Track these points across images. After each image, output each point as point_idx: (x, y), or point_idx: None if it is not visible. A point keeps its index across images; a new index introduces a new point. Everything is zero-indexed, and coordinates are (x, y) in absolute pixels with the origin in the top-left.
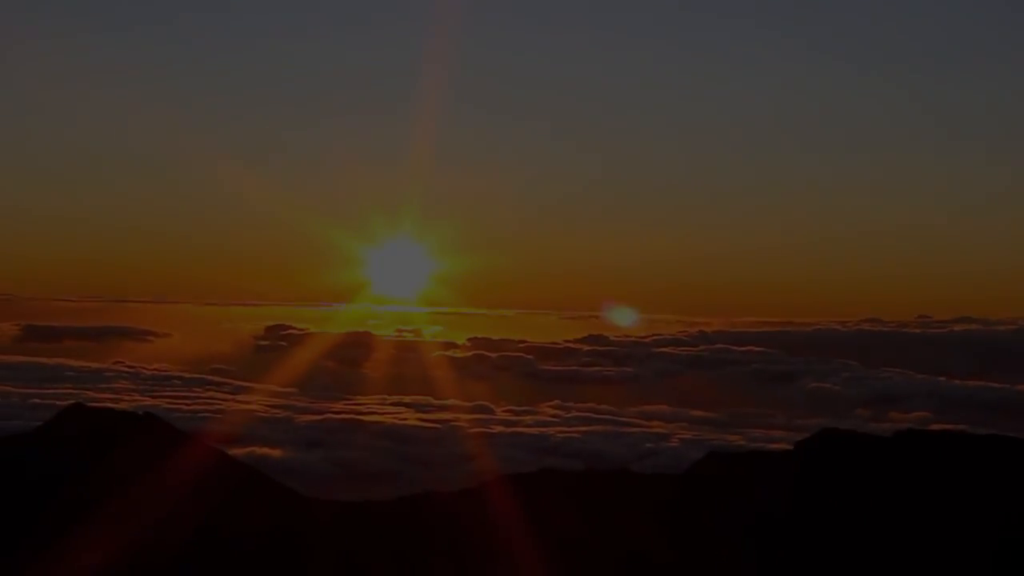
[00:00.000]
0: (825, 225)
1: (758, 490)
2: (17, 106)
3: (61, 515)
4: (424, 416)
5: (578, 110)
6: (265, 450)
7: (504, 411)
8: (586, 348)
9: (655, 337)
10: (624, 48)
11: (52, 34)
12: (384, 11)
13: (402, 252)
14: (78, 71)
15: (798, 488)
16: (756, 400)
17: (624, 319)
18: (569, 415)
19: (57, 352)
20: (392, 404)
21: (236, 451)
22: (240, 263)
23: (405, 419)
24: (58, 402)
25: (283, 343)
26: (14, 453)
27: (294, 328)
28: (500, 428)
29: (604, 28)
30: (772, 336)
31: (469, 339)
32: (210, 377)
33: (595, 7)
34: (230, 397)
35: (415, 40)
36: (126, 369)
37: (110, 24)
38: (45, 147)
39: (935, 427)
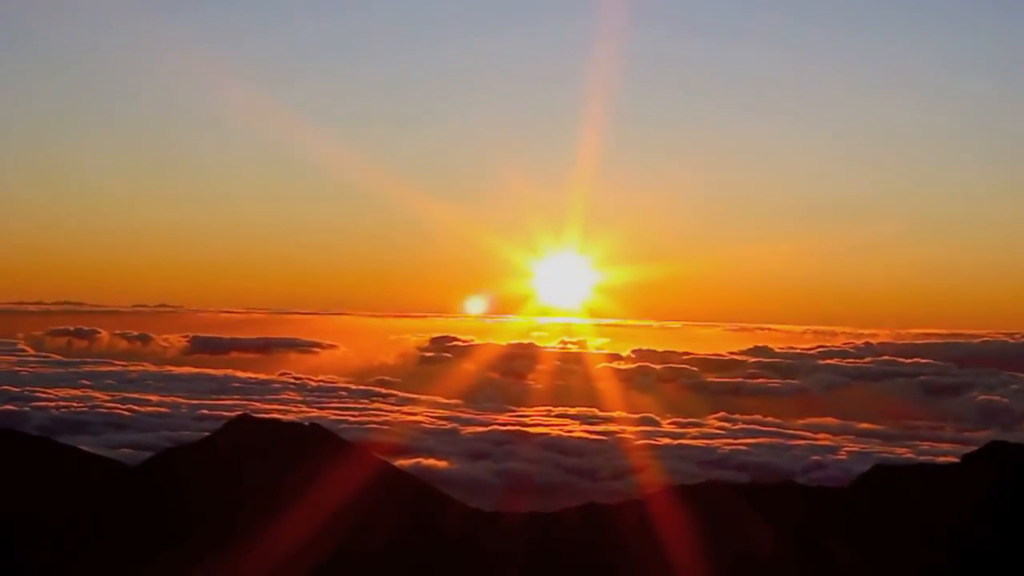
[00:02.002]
0: (994, 235)
1: (925, 504)
2: (178, 117)
3: (226, 524)
4: (590, 428)
5: (743, 120)
6: (431, 461)
7: (669, 423)
8: (751, 360)
9: (821, 349)
10: (791, 54)
11: (202, 37)
12: (550, 22)
13: (567, 264)
14: (236, 79)
15: (966, 502)
16: (924, 412)
17: (476, 308)
18: (735, 427)
19: (224, 363)
20: (557, 416)
21: (402, 462)
22: (405, 275)
23: (571, 431)
24: (225, 413)
25: (448, 355)
26: (182, 462)
27: (459, 340)
28: (666, 440)
29: (770, 35)
30: (940, 348)
31: (634, 351)
32: (376, 388)
33: (765, 13)
34: (396, 408)
35: (581, 50)
36: (292, 380)
37: (260, 27)
38: (211, 161)
39: None
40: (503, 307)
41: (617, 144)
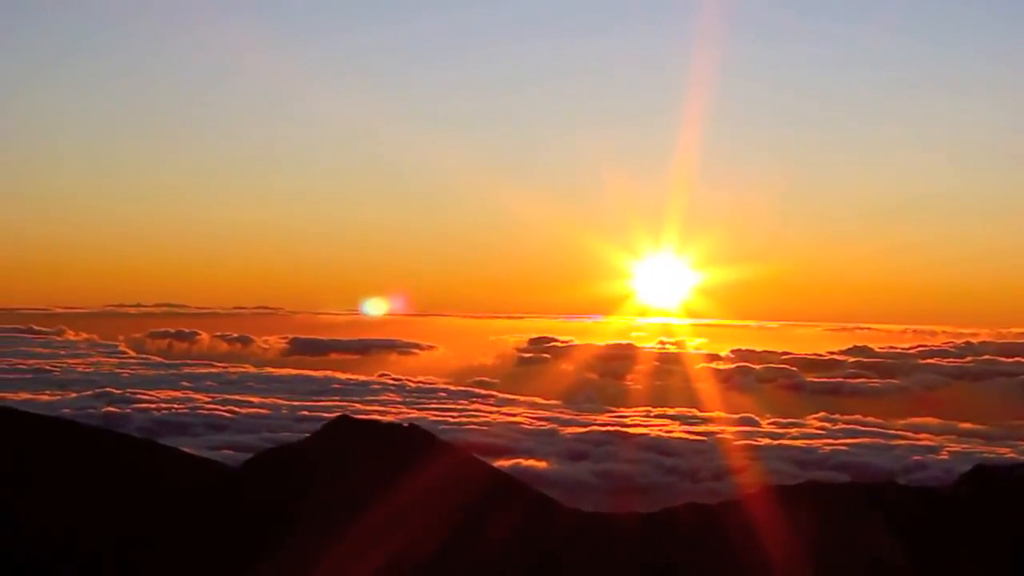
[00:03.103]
0: None
1: None
2: (277, 118)
3: (327, 524)
4: (689, 428)
5: (841, 119)
6: (531, 462)
7: (769, 423)
8: (851, 360)
9: (920, 348)
10: (893, 53)
11: (300, 42)
12: (652, 24)
13: (665, 264)
14: (333, 80)
15: None
16: None
17: (375, 309)
18: (835, 427)
19: (324, 365)
20: (656, 416)
21: (501, 463)
22: (503, 276)
23: (670, 431)
24: (325, 414)
25: (547, 355)
26: (282, 464)
27: (558, 340)
28: (766, 440)
29: (870, 37)
30: None
31: (733, 351)
32: (475, 389)
33: (861, 16)
34: (495, 409)
35: (681, 52)
36: (392, 382)
37: (362, 31)
38: (310, 164)
39: None
40: (601, 307)
41: (716, 144)
